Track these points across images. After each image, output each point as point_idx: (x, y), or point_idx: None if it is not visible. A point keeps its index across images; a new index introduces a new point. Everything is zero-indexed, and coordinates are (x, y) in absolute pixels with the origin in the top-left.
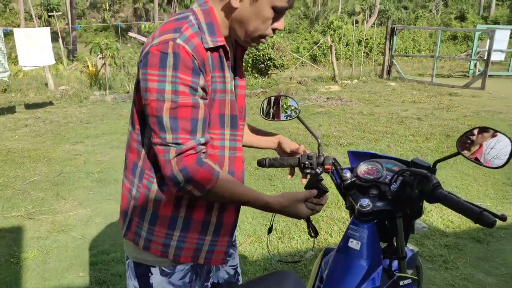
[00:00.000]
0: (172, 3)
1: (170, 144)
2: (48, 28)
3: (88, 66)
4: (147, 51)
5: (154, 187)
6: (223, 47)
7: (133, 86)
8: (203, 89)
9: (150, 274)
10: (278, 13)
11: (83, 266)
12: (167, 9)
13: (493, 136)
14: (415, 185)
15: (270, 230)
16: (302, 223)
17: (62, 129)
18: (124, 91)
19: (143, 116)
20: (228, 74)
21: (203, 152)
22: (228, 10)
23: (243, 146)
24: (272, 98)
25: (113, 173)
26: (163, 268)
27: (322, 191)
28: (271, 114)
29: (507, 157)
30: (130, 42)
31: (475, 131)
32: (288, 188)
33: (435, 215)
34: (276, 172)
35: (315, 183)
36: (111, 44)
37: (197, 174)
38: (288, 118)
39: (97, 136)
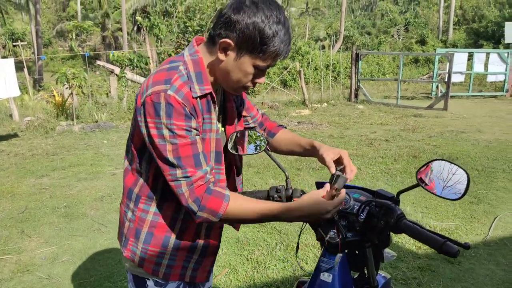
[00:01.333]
0: (142, 31)
1: (180, 179)
2: (12, 59)
3: (54, 96)
4: (144, 101)
5: (152, 210)
6: (210, 93)
7: (130, 122)
8: (196, 129)
9: (146, 285)
10: (259, 70)
11: None
12: (136, 37)
13: (450, 169)
14: (381, 216)
15: (297, 248)
16: (278, 251)
17: (27, 162)
18: (93, 120)
19: (141, 149)
20: (215, 116)
21: (212, 182)
22: (216, 61)
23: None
24: (239, 131)
25: (80, 207)
26: (157, 280)
27: (335, 176)
28: (238, 148)
29: (463, 190)
30: (98, 70)
31: (433, 164)
32: None
33: (407, 237)
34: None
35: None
36: (78, 73)
37: (208, 201)
38: (256, 151)
39: (63, 168)
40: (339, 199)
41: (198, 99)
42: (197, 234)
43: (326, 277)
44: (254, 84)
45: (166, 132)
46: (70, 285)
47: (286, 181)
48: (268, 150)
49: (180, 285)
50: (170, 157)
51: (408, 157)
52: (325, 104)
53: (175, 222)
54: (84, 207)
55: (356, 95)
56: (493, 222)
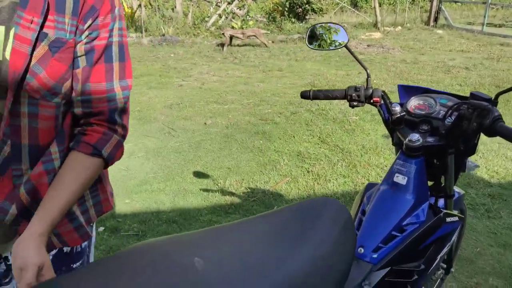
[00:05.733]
0: None
1: None
2: None
3: (124, 8)
4: None
5: None
6: None
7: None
8: None
9: None
10: None
11: (128, 194)
12: None
13: None
14: (474, 118)
15: None
16: (339, 167)
17: None
18: (160, 33)
19: None
20: None
21: None
22: None
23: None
24: (319, 26)
25: (152, 112)
26: None
27: None
28: (317, 43)
29: None
30: None
31: None
32: (325, 134)
33: (480, 164)
34: (313, 117)
35: None
36: None
37: None
38: (336, 47)
39: (135, 77)
40: None
41: None
42: None
43: (400, 179)
44: None
45: None
46: (144, 177)
47: (367, 80)
48: (348, 47)
49: None
50: None
51: (490, 86)
52: (399, 27)
53: None
54: (155, 113)
55: (436, 19)
56: None
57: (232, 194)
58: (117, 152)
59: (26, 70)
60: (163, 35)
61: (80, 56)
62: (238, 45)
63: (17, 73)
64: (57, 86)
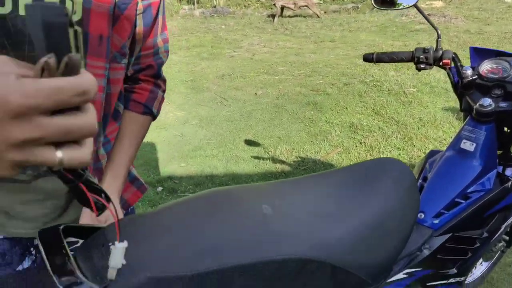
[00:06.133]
0: None
1: None
2: None
3: None
4: None
5: None
6: None
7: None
8: None
9: None
10: None
11: (184, 158)
12: None
13: None
14: None
15: None
16: (393, 140)
17: None
18: (211, 5)
19: None
20: None
21: None
22: None
23: None
24: None
25: (204, 82)
26: None
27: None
28: (386, 2)
29: None
30: None
31: None
32: (379, 106)
33: None
34: (367, 88)
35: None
36: None
37: None
38: (404, 7)
39: (188, 48)
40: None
41: None
42: None
43: (467, 146)
44: None
45: None
46: (198, 143)
47: (436, 40)
48: (418, 6)
49: None
50: None
51: None
52: None
53: None
54: (208, 83)
55: None
56: None
57: (282, 162)
58: (160, 108)
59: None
60: (214, 6)
61: (139, 14)
62: (289, 16)
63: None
64: (125, 46)
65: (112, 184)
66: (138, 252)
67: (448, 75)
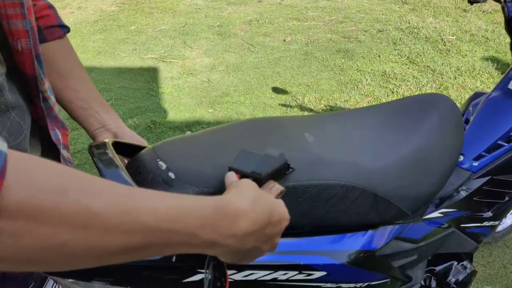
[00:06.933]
0: None
1: None
2: None
3: None
4: None
5: None
6: None
7: None
8: None
9: None
10: None
11: (211, 104)
12: None
13: None
14: None
15: None
16: (428, 89)
17: None
18: None
19: None
20: None
21: None
22: None
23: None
24: None
25: (231, 28)
26: None
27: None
28: None
29: None
30: None
31: None
32: (415, 54)
33: None
34: (402, 35)
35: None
36: None
37: None
38: None
39: None
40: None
41: None
42: None
43: None
44: None
45: None
46: (225, 89)
47: None
48: None
49: None
50: None
51: None
52: None
53: None
54: (235, 28)
55: None
56: None
57: (310, 110)
58: None
59: None
60: None
61: None
62: None
63: None
64: None
65: (109, 112)
66: (188, 168)
67: (503, 9)
